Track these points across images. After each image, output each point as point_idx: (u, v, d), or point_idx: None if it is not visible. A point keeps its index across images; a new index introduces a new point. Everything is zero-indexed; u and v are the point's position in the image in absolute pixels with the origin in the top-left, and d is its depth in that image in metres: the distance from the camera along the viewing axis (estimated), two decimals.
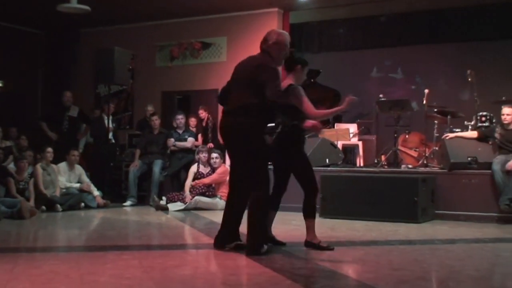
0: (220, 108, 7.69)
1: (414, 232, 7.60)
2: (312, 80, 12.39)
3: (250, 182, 5.85)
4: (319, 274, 5.01)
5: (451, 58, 13.54)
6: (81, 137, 12.59)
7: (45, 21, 13.90)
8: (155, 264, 5.23)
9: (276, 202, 6.25)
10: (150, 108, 12.67)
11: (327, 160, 10.17)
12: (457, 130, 9.95)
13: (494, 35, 12.75)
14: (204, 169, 10.50)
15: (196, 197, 10.09)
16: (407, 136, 11.27)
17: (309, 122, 5.88)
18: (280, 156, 6.08)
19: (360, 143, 11.64)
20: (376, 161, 10.92)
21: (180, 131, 11.51)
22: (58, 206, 9.82)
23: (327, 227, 7.60)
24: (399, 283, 4.60)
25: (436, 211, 8.96)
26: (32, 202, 9.57)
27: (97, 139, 12.20)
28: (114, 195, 11.55)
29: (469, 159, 9.06)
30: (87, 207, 10.33)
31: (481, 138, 9.36)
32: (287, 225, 7.87)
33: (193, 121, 11.87)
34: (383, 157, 10.72)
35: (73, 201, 10.14)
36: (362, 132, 12.02)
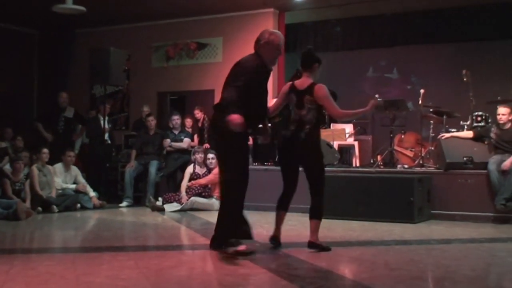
0: None
1: (410, 232, 7.61)
2: None
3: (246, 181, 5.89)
4: (315, 274, 5.01)
5: (447, 58, 13.57)
6: (76, 138, 12.58)
7: (41, 22, 13.88)
8: (151, 265, 5.23)
9: (286, 202, 6.27)
10: (146, 109, 12.66)
11: None
12: (452, 130, 9.96)
13: (489, 35, 12.76)
14: (200, 170, 10.49)
15: (192, 198, 10.09)
16: (403, 136, 11.27)
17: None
18: (294, 156, 6.10)
19: (356, 143, 11.64)
20: (372, 161, 10.92)
21: (176, 132, 11.50)
22: (54, 207, 9.80)
23: (323, 227, 7.55)
24: (396, 283, 4.60)
25: (432, 211, 8.97)
26: (28, 203, 9.55)
27: (93, 140, 12.18)
28: (110, 196, 11.54)
29: (464, 159, 9.07)
30: (83, 208, 10.31)
31: (477, 138, 9.37)
32: (283, 225, 7.86)
33: (189, 121, 11.86)
34: (379, 157, 10.73)
35: (69, 202, 10.13)
36: (358, 132, 12.02)
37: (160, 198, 10.43)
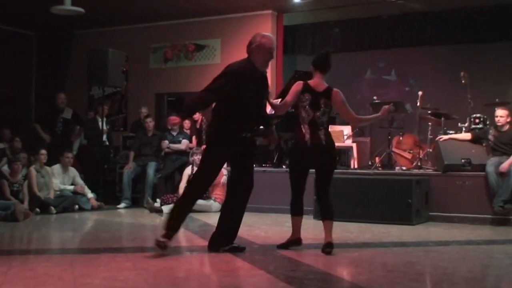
0: None
1: (408, 234, 7.61)
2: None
3: (245, 185, 5.98)
4: (313, 276, 5.01)
5: (445, 60, 13.57)
6: (74, 139, 12.56)
7: (39, 23, 13.87)
8: (149, 266, 5.23)
9: (300, 206, 6.24)
10: (144, 110, 12.65)
11: None
12: (451, 132, 9.97)
13: (487, 37, 12.76)
14: None
15: None
16: (401, 138, 11.28)
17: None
18: (315, 160, 6.09)
19: (354, 145, 11.63)
20: (370, 163, 10.93)
21: (174, 133, 11.50)
22: (52, 208, 9.79)
23: (320, 229, 7.57)
24: (393, 285, 4.61)
25: (430, 213, 8.98)
26: (26, 204, 9.54)
27: (91, 141, 12.18)
28: (108, 197, 11.52)
29: (463, 161, 9.07)
30: (81, 209, 10.31)
31: (475, 140, 9.38)
32: (281, 226, 7.88)
33: (187, 123, 11.84)
34: (377, 159, 10.74)
35: (67, 203, 10.12)
36: (356, 134, 12.01)
37: (158, 200, 10.42)
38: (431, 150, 10.26)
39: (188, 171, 10.51)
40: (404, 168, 10.26)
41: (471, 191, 8.88)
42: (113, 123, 14.12)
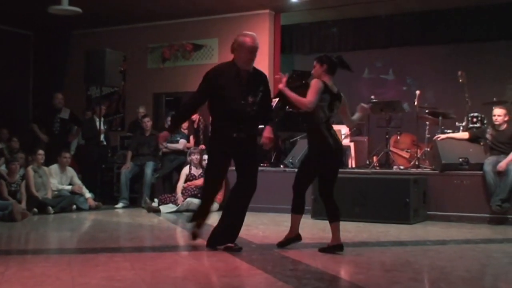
0: None
1: (406, 233, 7.61)
2: (304, 82, 12.38)
3: (245, 185, 6.04)
4: (311, 275, 5.00)
5: (442, 59, 13.58)
6: (72, 139, 12.56)
7: (36, 23, 13.85)
8: (146, 266, 5.23)
9: (304, 204, 6.26)
10: (141, 110, 12.65)
11: None
12: (448, 131, 9.98)
13: (485, 36, 12.79)
14: (196, 171, 10.49)
15: (188, 199, 10.09)
16: (398, 137, 11.29)
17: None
18: (336, 162, 6.15)
19: (351, 144, 11.64)
20: (368, 162, 10.94)
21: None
22: (50, 208, 9.78)
23: (318, 229, 7.60)
24: (391, 284, 4.61)
25: (428, 212, 8.99)
26: (23, 204, 9.54)
27: (88, 141, 12.16)
28: (106, 197, 11.52)
29: (460, 160, 9.08)
30: (79, 209, 10.30)
31: (473, 139, 9.39)
32: (279, 226, 7.87)
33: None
34: (375, 158, 10.74)
35: (65, 203, 10.12)
36: (353, 134, 12.02)
37: (155, 199, 10.43)
38: (428, 149, 10.26)
39: (185, 170, 10.51)
40: (401, 167, 10.27)
41: (468, 190, 8.89)
42: (110, 123, 14.11)
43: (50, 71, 14.54)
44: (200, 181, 10.29)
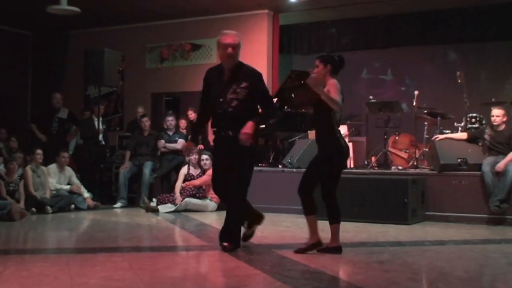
0: None
1: (404, 233, 7.61)
2: (302, 82, 12.39)
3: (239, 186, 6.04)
4: (309, 275, 5.01)
5: (441, 59, 13.59)
6: (70, 138, 12.56)
7: (35, 22, 13.86)
8: (145, 266, 5.22)
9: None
10: (140, 110, 12.65)
11: None
12: (447, 131, 9.98)
13: (484, 36, 12.79)
14: (194, 171, 10.49)
15: (187, 199, 10.08)
16: (397, 138, 11.29)
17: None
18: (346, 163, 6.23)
19: (350, 145, 11.63)
20: (366, 162, 10.93)
21: (171, 133, 11.48)
22: (48, 208, 9.77)
23: (318, 229, 7.58)
24: (389, 285, 4.61)
25: (426, 213, 8.98)
26: (22, 204, 9.52)
27: (87, 140, 12.16)
28: (104, 196, 11.50)
29: (459, 160, 9.08)
30: (77, 209, 10.29)
31: (471, 140, 9.39)
32: (277, 226, 7.88)
33: (183, 122, 11.84)
34: (373, 159, 10.74)
35: (63, 203, 10.11)
36: (352, 134, 12.02)
37: (154, 199, 10.42)
38: (427, 149, 10.26)
39: (184, 170, 10.50)
40: (400, 167, 10.27)
41: (467, 191, 8.89)
42: (109, 123, 14.12)
43: (49, 70, 14.55)
44: (198, 181, 10.30)
